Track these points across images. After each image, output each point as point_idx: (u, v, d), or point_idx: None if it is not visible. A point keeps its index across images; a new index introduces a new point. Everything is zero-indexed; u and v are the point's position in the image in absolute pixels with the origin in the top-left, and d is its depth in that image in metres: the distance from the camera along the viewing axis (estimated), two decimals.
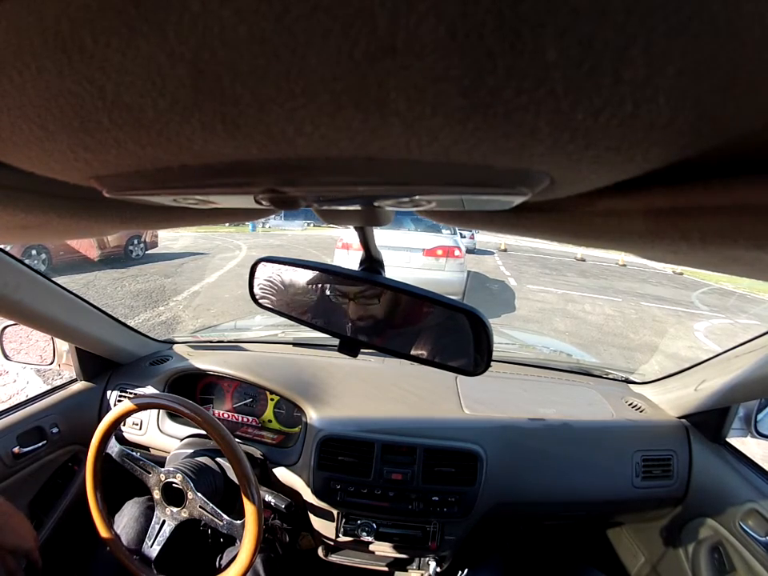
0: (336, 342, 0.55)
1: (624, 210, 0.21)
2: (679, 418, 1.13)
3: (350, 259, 4.29)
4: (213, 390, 1.25)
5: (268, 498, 0.96)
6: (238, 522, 0.79)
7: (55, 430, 1.06)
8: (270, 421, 1.21)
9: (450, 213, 0.33)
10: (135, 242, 7.58)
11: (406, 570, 1.10)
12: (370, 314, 0.56)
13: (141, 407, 0.85)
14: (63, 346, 1.15)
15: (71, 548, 1.12)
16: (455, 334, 0.50)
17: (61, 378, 1.22)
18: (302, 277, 0.62)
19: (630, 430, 1.09)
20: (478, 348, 0.48)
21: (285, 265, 0.59)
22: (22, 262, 0.81)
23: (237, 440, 0.83)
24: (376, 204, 0.23)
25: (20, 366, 1.20)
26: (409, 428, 1.01)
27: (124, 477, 0.89)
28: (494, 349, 0.47)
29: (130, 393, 1.16)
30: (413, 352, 0.53)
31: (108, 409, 1.14)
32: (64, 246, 6.34)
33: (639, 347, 4.89)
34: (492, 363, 0.48)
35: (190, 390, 1.24)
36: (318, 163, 0.16)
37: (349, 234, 4.43)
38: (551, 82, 0.10)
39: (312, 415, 1.04)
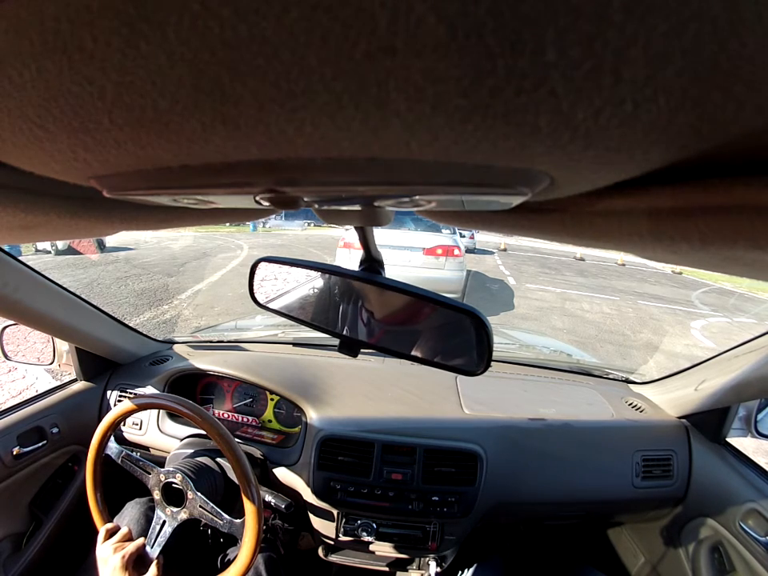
0: (336, 342, 0.55)
1: (624, 210, 0.21)
2: (679, 417, 1.13)
3: (351, 258, 4.30)
4: (213, 390, 1.25)
5: (268, 498, 0.96)
6: (238, 521, 0.79)
7: (55, 430, 1.06)
8: (269, 421, 1.21)
9: (449, 213, 0.33)
10: None
11: (407, 570, 1.10)
12: (369, 314, 0.56)
13: (141, 407, 0.85)
14: (63, 345, 1.15)
15: (71, 548, 1.12)
16: (455, 334, 0.50)
17: (69, 374, 1.22)
18: (302, 277, 0.62)
19: (630, 430, 1.09)
20: (477, 348, 0.48)
21: (285, 265, 0.59)
22: (21, 262, 0.81)
23: (237, 440, 0.83)
24: (376, 204, 0.23)
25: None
26: (409, 428, 1.01)
27: (124, 477, 0.89)
28: (494, 349, 0.47)
29: (130, 393, 1.16)
30: (413, 352, 0.53)
31: (108, 409, 1.14)
32: None
33: (636, 345, 4.90)
34: (492, 363, 0.48)
35: (190, 390, 1.24)
36: (317, 163, 0.16)
37: (351, 234, 4.44)
38: (551, 82, 0.10)
39: (312, 415, 1.04)
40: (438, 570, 1.04)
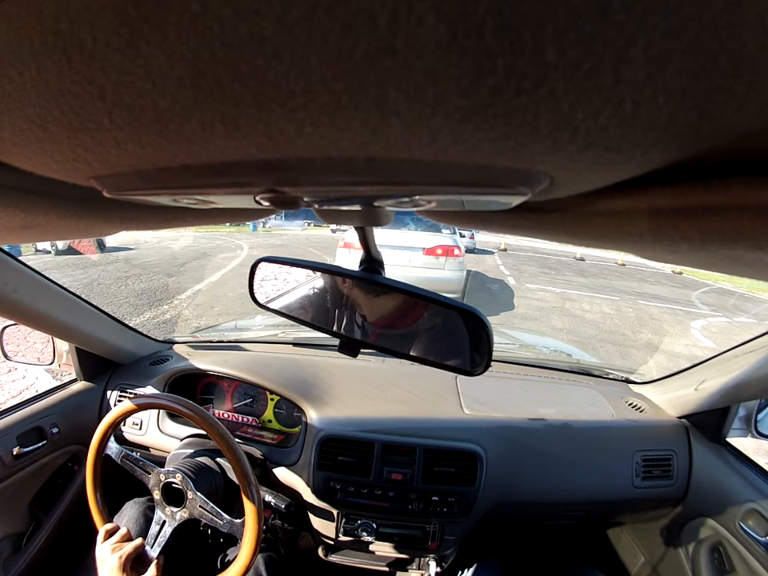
0: (336, 342, 0.55)
1: (624, 210, 0.21)
2: (679, 417, 1.13)
3: (351, 258, 4.31)
4: (213, 390, 1.25)
5: (268, 498, 0.96)
6: (238, 521, 0.79)
7: (55, 430, 1.06)
8: (270, 421, 1.21)
9: (449, 213, 0.33)
10: None
11: (406, 570, 1.10)
12: (369, 314, 0.56)
13: (141, 407, 0.85)
14: (63, 345, 1.15)
15: (71, 548, 1.12)
16: (455, 333, 0.50)
17: (69, 374, 1.22)
18: (302, 277, 0.62)
19: (630, 430, 1.09)
20: (477, 348, 0.48)
21: (285, 265, 0.59)
22: (21, 262, 0.81)
23: (237, 440, 0.83)
24: (376, 204, 0.23)
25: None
26: (409, 428, 1.01)
27: (124, 477, 0.89)
28: (494, 349, 0.47)
29: (130, 393, 1.16)
30: (413, 352, 0.53)
31: (108, 409, 1.14)
32: None
33: (636, 345, 4.90)
34: (492, 363, 0.48)
35: (190, 390, 1.24)
36: (317, 163, 0.16)
37: (351, 234, 4.44)
38: (551, 82, 0.10)
39: (312, 415, 1.04)
40: (438, 569, 1.04)
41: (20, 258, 0.82)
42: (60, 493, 1.11)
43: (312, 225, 21.08)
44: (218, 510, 0.81)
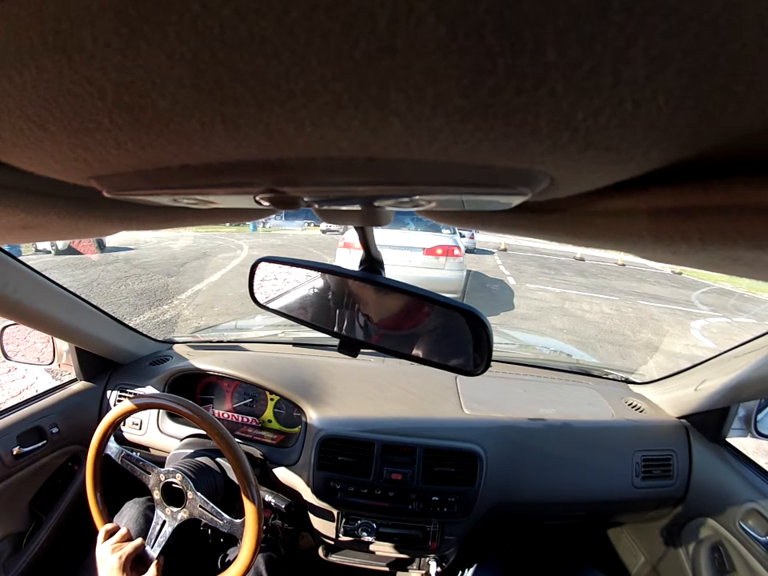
0: (336, 342, 0.55)
1: (624, 211, 0.21)
2: (679, 418, 1.13)
3: (351, 258, 4.31)
4: (213, 390, 1.25)
5: (268, 498, 0.96)
6: (238, 521, 0.79)
7: (55, 430, 1.06)
8: (269, 421, 1.21)
9: (449, 213, 0.33)
10: None
11: (407, 570, 1.10)
12: (369, 314, 0.56)
13: (141, 407, 0.84)
14: (63, 345, 1.15)
15: (71, 548, 1.12)
16: (455, 333, 0.50)
17: (69, 374, 1.22)
18: (302, 277, 0.62)
19: (630, 430, 1.09)
20: (477, 348, 0.48)
21: (285, 265, 0.59)
22: (22, 262, 0.81)
23: (237, 440, 0.83)
24: (376, 204, 0.23)
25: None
26: (409, 428, 1.01)
27: (124, 477, 0.89)
28: (494, 349, 0.47)
29: (130, 393, 1.16)
30: (413, 352, 0.53)
31: (108, 409, 1.14)
32: None
33: (635, 345, 4.90)
34: (492, 363, 0.48)
35: (190, 390, 1.24)
36: (317, 163, 0.16)
37: (351, 234, 4.45)
38: (551, 82, 0.10)
39: (312, 415, 1.04)
40: (439, 569, 1.04)
41: (20, 257, 0.82)
42: (60, 493, 1.11)
43: (312, 225, 21.09)
44: (218, 510, 0.81)
